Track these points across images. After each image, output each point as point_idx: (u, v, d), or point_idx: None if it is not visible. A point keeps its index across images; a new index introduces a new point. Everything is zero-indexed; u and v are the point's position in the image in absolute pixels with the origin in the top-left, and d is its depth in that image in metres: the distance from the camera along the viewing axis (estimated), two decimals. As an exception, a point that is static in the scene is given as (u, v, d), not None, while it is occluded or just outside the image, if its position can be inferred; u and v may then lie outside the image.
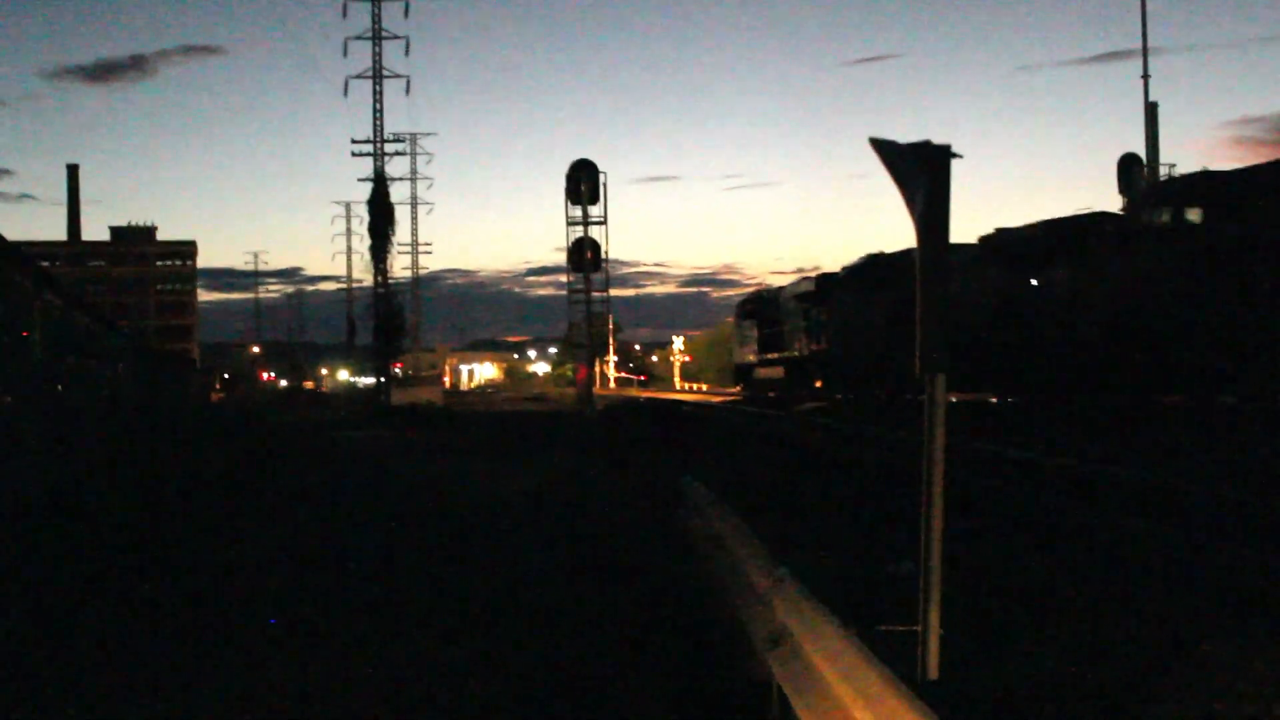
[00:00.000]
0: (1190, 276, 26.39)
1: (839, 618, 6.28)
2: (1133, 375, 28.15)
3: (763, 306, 66.46)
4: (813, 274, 55.89)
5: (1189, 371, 26.57)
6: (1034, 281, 33.07)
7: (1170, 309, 26.79)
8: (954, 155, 5.74)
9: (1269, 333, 24.04)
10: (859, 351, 46.80)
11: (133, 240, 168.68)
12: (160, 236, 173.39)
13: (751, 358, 69.54)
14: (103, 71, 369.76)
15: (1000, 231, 36.62)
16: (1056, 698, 7.64)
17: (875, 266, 46.71)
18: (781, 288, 64.32)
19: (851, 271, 49.75)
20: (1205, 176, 27.78)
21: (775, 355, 62.82)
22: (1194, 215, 26.91)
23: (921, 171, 5.76)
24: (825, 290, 52.96)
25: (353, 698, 8.47)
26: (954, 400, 35.91)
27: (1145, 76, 52.50)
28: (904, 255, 41.67)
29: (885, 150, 5.88)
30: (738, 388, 76.28)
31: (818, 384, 54.30)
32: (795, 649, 6.60)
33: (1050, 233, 33.14)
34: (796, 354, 57.99)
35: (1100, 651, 8.65)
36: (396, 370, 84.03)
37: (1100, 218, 30.45)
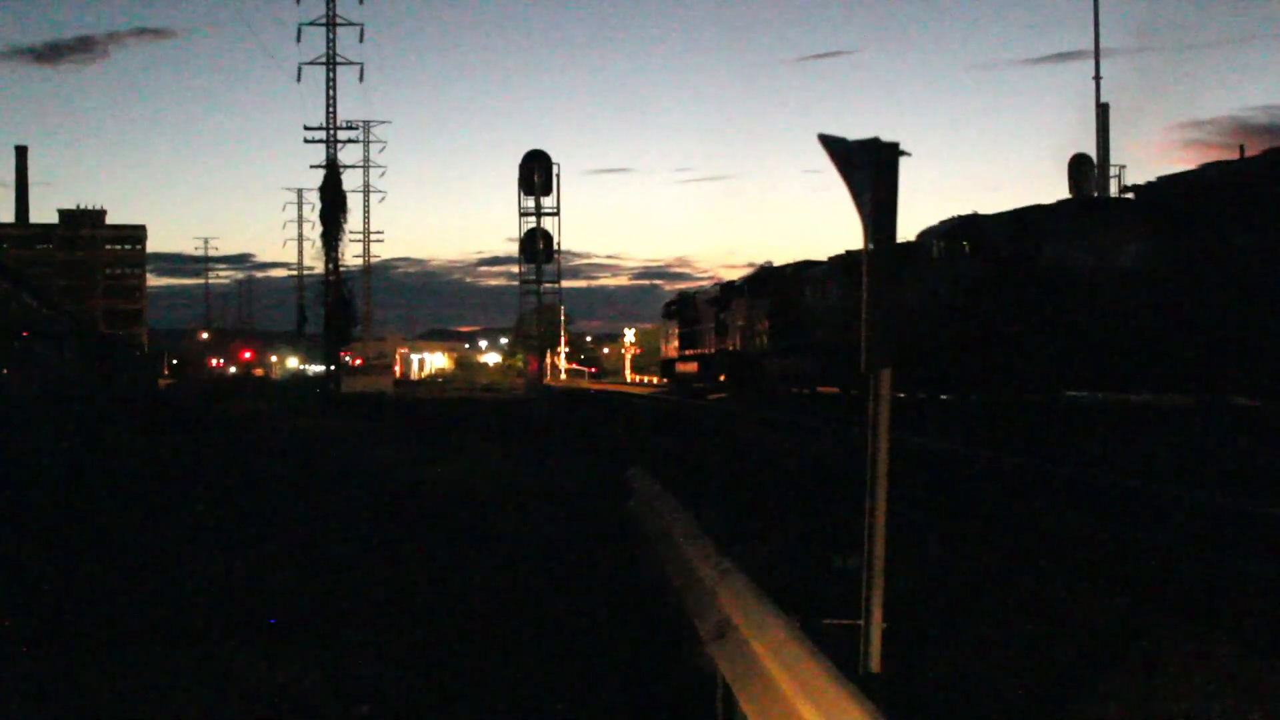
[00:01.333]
0: (953, 298, 33.03)
1: (783, 610, 6.33)
2: (916, 375, 34.44)
3: (683, 308, 74.87)
4: (754, 270, 60.92)
5: (955, 373, 33.15)
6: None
7: (941, 323, 33.50)
8: (902, 153, 5.78)
9: (1010, 344, 29.88)
10: (749, 350, 56.35)
11: (81, 223, 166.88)
12: (110, 220, 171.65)
13: (674, 353, 77.93)
14: (52, 52, 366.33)
15: (849, 254, 41.84)
16: (996, 692, 7.72)
17: (764, 277, 55.27)
18: (698, 291, 72.87)
19: (746, 281, 58.22)
20: (971, 219, 33.09)
21: (692, 352, 71.40)
22: (965, 248, 32.85)
23: (869, 169, 5.79)
24: (728, 296, 61.96)
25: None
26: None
27: (1097, 78, 52.97)
28: (788, 268, 52.44)
29: (834, 147, 5.90)
30: (664, 380, 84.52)
31: (721, 377, 62.66)
32: (739, 642, 6.64)
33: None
34: (709, 351, 66.57)
35: (1038, 646, 8.74)
36: (347, 358, 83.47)
37: (911, 246, 35.78)
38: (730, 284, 62.45)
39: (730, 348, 60.64)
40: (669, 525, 10.27)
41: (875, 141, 5.80)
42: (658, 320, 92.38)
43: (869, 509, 5.98)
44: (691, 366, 71.64)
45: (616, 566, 12.22)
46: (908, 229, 44.74)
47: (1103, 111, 55.84)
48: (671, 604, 9.01)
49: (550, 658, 9.20)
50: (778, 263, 56.08)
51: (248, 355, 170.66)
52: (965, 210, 32.06)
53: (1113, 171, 56.15)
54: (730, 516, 14.30)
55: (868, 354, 5.83)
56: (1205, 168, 25.57)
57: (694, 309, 71.18)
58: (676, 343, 76.31)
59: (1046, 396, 30.80)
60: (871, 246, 5.86)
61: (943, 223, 35.35)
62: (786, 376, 51.88)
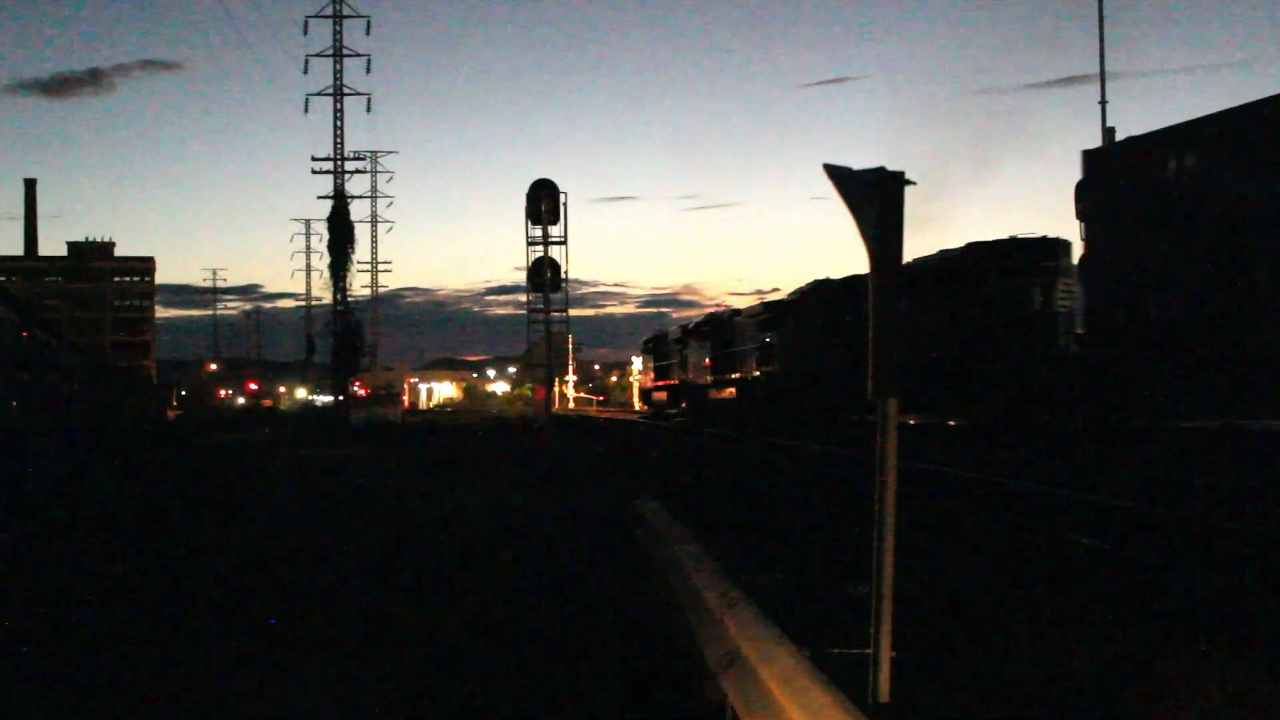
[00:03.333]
0: (825, 341, 45.32)
1: (792, 640, 6.31)
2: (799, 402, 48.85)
3: (657, 345, 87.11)
4: (768, 298, 70.01)
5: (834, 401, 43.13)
6: (767, 338, 57.37)
7: (819, 362, 47.88)
8: (908, 182, 5.78)
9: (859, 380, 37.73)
10: (699, 382, 70.28)
11: (90, 256, 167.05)
12: (118, 252, 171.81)
13: (650, 384, 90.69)
14: (59, 85, 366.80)
15: (765, 304, 59.68)
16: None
17: (710, 321, 68.42)
18: (668, 331, 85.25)
19: (698, 324, 72.15)
20: (847, 281, 44.51)
21: (663, 382, 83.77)
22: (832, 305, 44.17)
23: (874, 198, 5.78)
24: (686, 337, 75.68)
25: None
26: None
27: (1103, 102, 52.77)
28: (725, 314, 67.05)
29: (838, 176, 5.89)
30: (644, 406, 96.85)
31: (683, 404, 75.31)
32: (748, 671, 6.61)
33: (770, 308, 57.99)
34: (675, 382, 79.16)
35: (1045, 673, 8.71)
36: (355, 388, 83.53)
37: (780, 304, 56.30)
38: (686, 326, 76.66)
39: (687, 380, 74.36)
40: (677, 554, 10.23)
41: (880, 171, 5.79)
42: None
43: (877, 538, 5.97)
44: (663, 395, 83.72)
45: (627, 595, 12.18)
46: (913, 255, 47.71)
47: (1109, 136, 55.84)
48: (681, 633, 8.99)
49: (560, 687, 9.16)
50: (785, 290, 67.17)
51: (254, 386, 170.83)
52: (969, 237, 39.20)
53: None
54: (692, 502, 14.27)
55: (874, 381, 5.83)
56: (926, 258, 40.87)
57: (665, 346, 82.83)
58: (652, 374, 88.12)
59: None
60: (876, 275, 5.86)
61: (812, 282, 51.63)
62: (721, 403, 64.17)
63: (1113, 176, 35.19)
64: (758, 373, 58.51)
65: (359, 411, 79.00)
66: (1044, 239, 39.82)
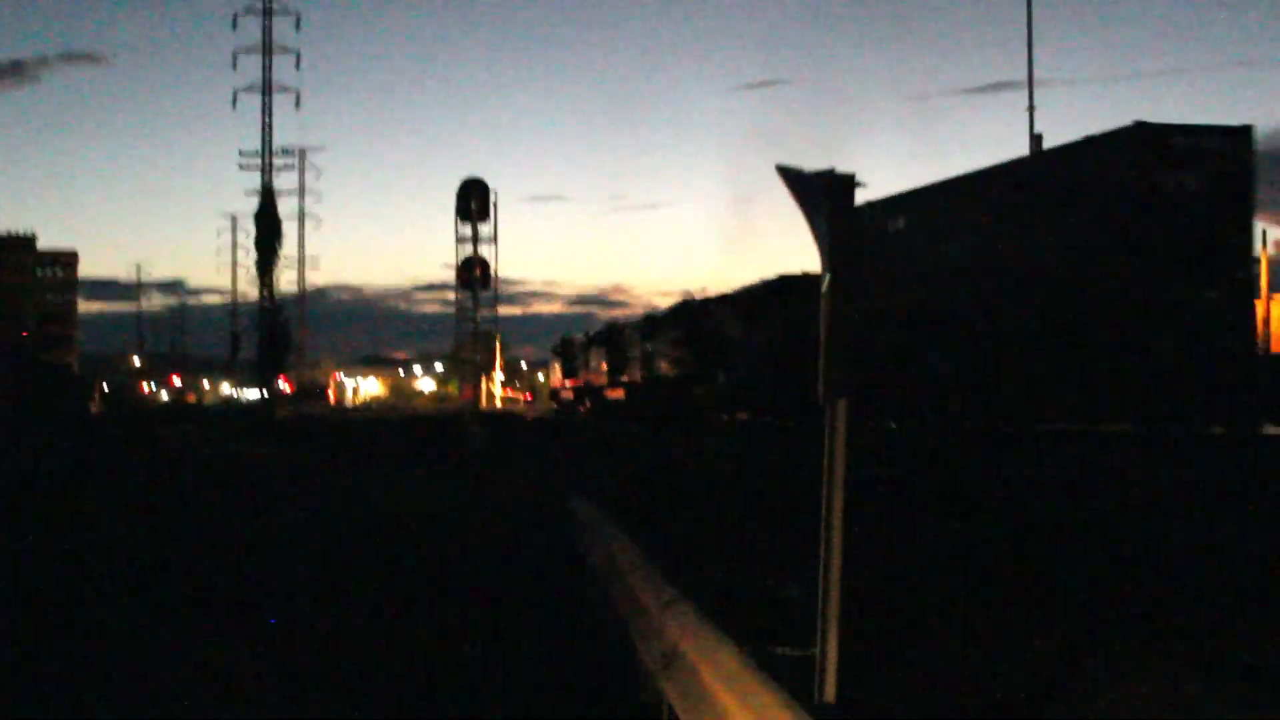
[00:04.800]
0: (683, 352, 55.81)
1: (732, 639, 6.31)
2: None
3: (565, 349, 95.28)
4: (696, 297, 71.05)
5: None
6: (646, 346, 65.84)
7: (677, 367, 59.89)
8: (858, 184, 5.81)
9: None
10: (597, 384, 79.78)
11: (11, 248, 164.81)
12: (40, 245, 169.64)
13: (557, 384, 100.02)
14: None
15: (610, 326, 76.24)
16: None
17: (609, 329, 78.17)
18: (574, 338, 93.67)
19: (598, 330, 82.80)
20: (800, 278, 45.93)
21: (571, 383, 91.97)
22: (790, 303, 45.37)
23: (826, 199, 5.81)
24: (588, 344, 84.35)
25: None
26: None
27: (1030, 108, 53.24)
28: (621, 323, 77.48)
29: (791, 178, 5.92)
30: (551, 404, 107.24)
31: (588, 403, 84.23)
32: (689, 671, 6.60)
33: (648, 321, 68.29)
34: (580, 384, 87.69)
35: (987, 671, 8.78)
36: (281, 385, 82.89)
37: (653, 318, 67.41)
38: (587, 334, 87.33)
39: (589, 381, 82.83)
40: (611, 553, 10.19)
41: (831, 173, 5.82)
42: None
43: (824, 537, 5.99)
44: (570, 394, 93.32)
45: (558, 594, 12.16)
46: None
47: (1036, 142, 56.33)
48: (615, 634, 8.98)
49: (492, 687, 9.13)
50: (713, 290, 68.78)
51: (178, 381, 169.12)
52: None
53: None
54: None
55: (825, 384, 5.85)
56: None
57: (572, 350, 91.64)
58: (559, 375, 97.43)
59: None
60: (828, 276, 5.88)
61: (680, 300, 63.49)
62: (614, 402, 74.48)
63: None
64: (639, 376, 68.72)
65: (286, 407, 78.40)
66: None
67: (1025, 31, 52.15)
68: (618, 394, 74.47)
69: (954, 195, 34.66)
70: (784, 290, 47.62)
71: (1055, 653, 9.34)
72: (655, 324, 66.33)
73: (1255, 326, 28.91)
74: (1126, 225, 27.35)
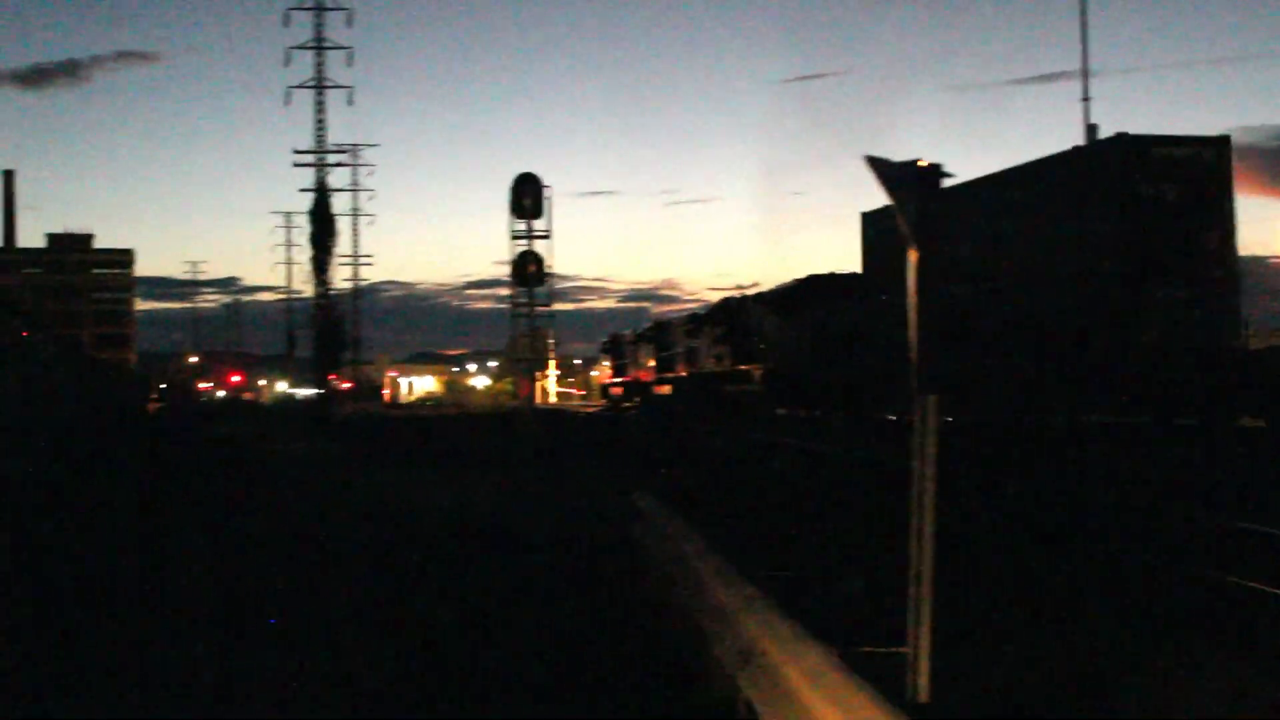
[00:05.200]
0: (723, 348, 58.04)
1: (817, 638, 6.20)
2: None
3: (614, 346, 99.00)
4: (747, 292, 75.05)
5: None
6: (691, 344, 69.68)
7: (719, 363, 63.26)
8: (944, 174, 5.76)
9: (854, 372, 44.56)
10: (645, 380, 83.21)
11: (69, 248, 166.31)
12: (97, 244, 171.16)
13: (608, 379, 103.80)
14: (37, 77, 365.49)
15: (690, 314, 74.79)
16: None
17: (656, 326, 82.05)
18: (624, 335, 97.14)
19: (647, 327, 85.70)
20: (827, 277, 51.39)
21: (621, 379, 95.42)
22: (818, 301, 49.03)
23: (913, 188, 5.76)
24: (637, 341, 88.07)
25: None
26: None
27: (1085, 99, 52.78)
28: (668, 320, 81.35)
29: (879, 167, 5.87)
30: (603, 400, 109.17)
31: (636, 399, 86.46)
32: (770, 668, 6.50)
33: (692, 319, 70.68)
34: (630, 379, 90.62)
35: (1064, 669, 8.66)
36: (340, 383, 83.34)
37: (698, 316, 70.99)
38: (636, 331, 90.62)
39: (637, 377, 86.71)
40: (680, 549, 10.10)
41: (915, 164, 5.79)
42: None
43: (915, 531, 5.88)
44: (619, 390, 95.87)
45: (622, 591, 12.09)
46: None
47: (1091, 133, 55.81)
48: (681, 630, 8.90)
49: (554, 684, 9.07)
50: (765, 285, 75.74)
51: (236, 379, 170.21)
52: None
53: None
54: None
55: (915, 378, 5.77)
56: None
57: (621, 347, 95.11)
58: (610, 372, 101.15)
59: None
60: (917, 265, 5.80)
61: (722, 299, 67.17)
62: (661, 397, 77.73)
63: (870, 230, 45.62)
64: (683, 371, 71.95)
65: (341, 404, 78.83)
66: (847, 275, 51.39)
67: (1078, 21, 51.77)
68: (664, 389, 77.75)
69: (960, 199, 35.40)
70: (812, 289, 51.03)
71: (1130, 646, 9.21)
72: (698, 321, 69.41)
73: (1233, 324, 30.38)
74: (1110, 229, 29.48)
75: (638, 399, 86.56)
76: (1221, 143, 30.13)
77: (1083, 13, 51.34)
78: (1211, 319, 29.21)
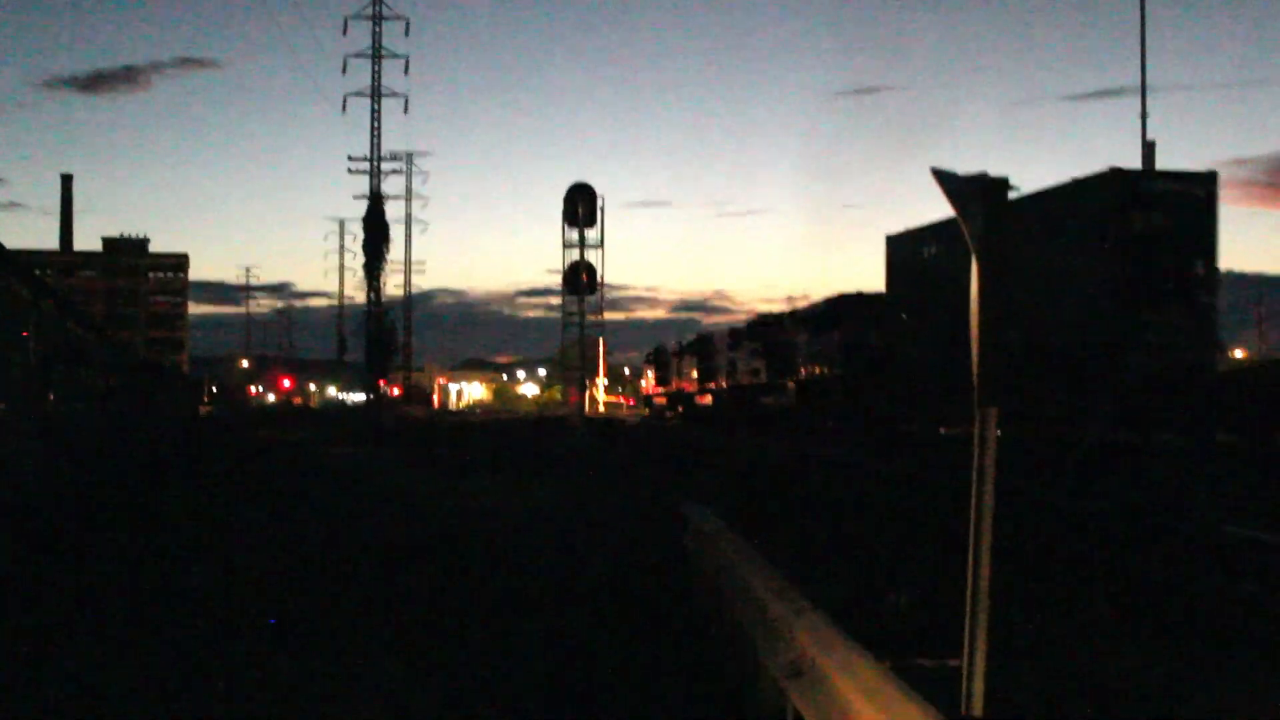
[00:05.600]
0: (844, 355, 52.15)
1: (868, 648, 6.19)
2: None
3: (658, 356, 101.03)
4: (797, 304, 73.99)
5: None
6: (731, 357, 71.96)
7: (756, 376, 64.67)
8: (1011, 188, 5.78)
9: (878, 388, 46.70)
10: (688, 392, 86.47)
11: (125, 251, 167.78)
12: (153, 248, 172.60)
13: (651, 391, 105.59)
14: (96, 82, 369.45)
15: (731, 328, 75.30)
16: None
17: (699, 339, 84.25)
18: (666, 345, 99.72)
19: (690, 340, 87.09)
20: (854, 297, 52.20)
21: (663, 389, 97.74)
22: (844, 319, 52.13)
23: (979, 202, 5.78)
24: (681, 354, 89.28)
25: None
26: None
27: (1143, 115, 52.37)
28: (710, 333, 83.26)
29: (946, 180, 5.89)
30: (646, 410, 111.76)
31: (680, 408, 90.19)
32: (822, 681, 6.49)
33: (733, 333, 73.26)
34: (672, 390, 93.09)
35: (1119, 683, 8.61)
36: (391, 389, 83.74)
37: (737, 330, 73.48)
38: (679, 344, 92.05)
39: (680, 388, 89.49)
40: (730, 560, 10.08)
41: (984, 176, 5.83)
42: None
43: (973, 543, 5.88)
44: (662, 400, 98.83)
45: (670, 601, 12.10)
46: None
47: (1149, 149, 55.35)
48: (731, 641, 8.90)
49: (610, 689, 9.10)
50: (815, 297, 71.37)
51: (287, 384, 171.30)
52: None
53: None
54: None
55: (978, 390, 5.77)
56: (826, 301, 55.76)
57: (665, 358, 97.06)
58: (654, 382, 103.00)
59: None
60: (982, 278, 5.82)
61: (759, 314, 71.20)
62: (703, 407, 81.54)
63: (894, 253, 46.24)
64: (724, 384, 74.56)
65: (391, 410, 79.16)
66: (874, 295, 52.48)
67: (1138, 38, 51.36)
68: (706, 400, 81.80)
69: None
70: (839, 308, 53.28)
71: (1182, 659, 9.16)
72: (738, 335, 72.33)
73: (1216, 346, 33.38)
74: (1104, 258, 31.08)
75: (680, 408, 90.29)
76: (1209, 179, 31.90)
77: (1142, 29, 50.96)
78: (1197, 343, 31.23)
